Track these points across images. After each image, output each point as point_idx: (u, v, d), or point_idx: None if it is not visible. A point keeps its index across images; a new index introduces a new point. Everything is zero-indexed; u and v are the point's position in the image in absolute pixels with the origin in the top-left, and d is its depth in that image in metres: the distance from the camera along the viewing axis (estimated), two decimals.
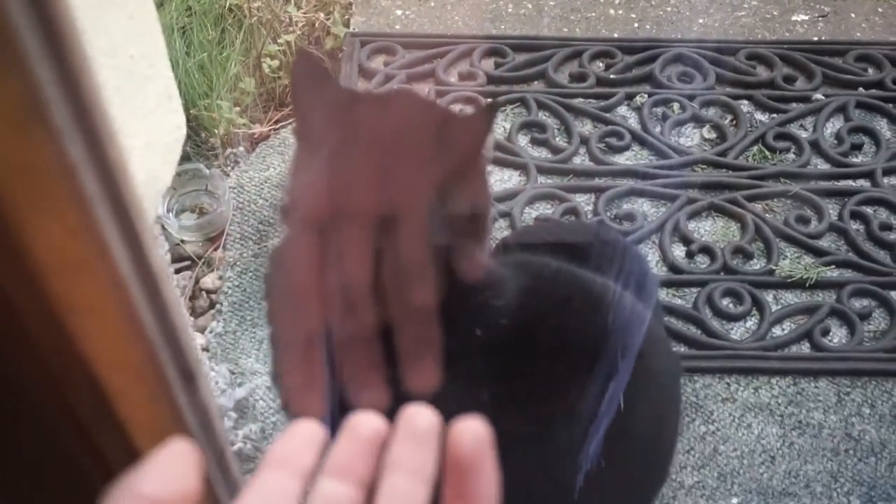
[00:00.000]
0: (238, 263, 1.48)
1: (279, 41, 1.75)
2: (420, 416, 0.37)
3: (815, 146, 1.64)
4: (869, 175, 1.61)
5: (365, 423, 0.39)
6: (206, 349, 1.40)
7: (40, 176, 0.31)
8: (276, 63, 1.74)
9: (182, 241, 1.52)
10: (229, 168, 1.62)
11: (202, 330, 1.43)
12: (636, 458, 0.97)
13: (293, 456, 0.40)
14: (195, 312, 1.46)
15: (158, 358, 0.42)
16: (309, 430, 0.42)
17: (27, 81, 0.28)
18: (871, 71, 1.78)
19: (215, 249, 1.51)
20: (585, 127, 1.67)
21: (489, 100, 1.67)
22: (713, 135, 1.67)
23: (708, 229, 1.52)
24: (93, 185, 0.33)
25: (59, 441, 0.40)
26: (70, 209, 0.32)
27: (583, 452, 0.84)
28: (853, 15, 1.92)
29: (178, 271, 1.51)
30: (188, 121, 1.45)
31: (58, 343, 0.36)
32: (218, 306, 1.43)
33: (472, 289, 0.75)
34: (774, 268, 1.46)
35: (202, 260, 1.50)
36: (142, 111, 1.13)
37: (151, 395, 0.43)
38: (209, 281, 1.47)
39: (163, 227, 1.51)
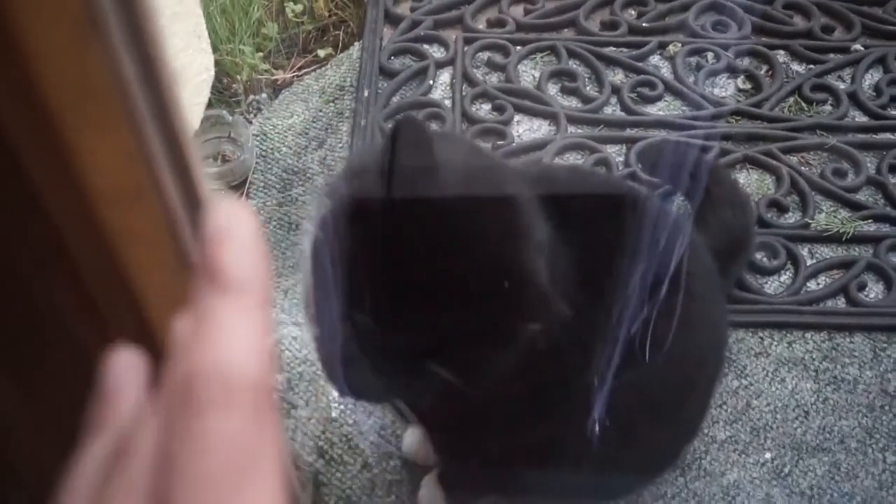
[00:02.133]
0: (261, 212, 1.46)
1: None
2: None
3: (853, 98, 1.60)
4: None
5: None
6: None
7: (96, 94, 0.28)
8: (299, 7, 1.71)
9: None
10: (252, 115, 1.59)
11: None
12: (675, 389, 0.96)
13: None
14: None
15: None
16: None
17: None
18: None
19: (238, 198, 1.48)
20: (617, 76, 1.63)
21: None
22: (748, 85, 1.63)
23: (742, 182, 1.48)
24: (146, 108, 0.31)
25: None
26: (124, 131, 0.30)
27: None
28: None
29: None
30: None
31: (107, 274, 0.34)
32: None
33: None
34: (810, 221, 1.42)
35: None
36: (170, 50, 1.10)
37: None
38: None
39: None
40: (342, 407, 1.22)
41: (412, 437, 1.16)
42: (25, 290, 0.36)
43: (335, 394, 1.23)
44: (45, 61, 0.27)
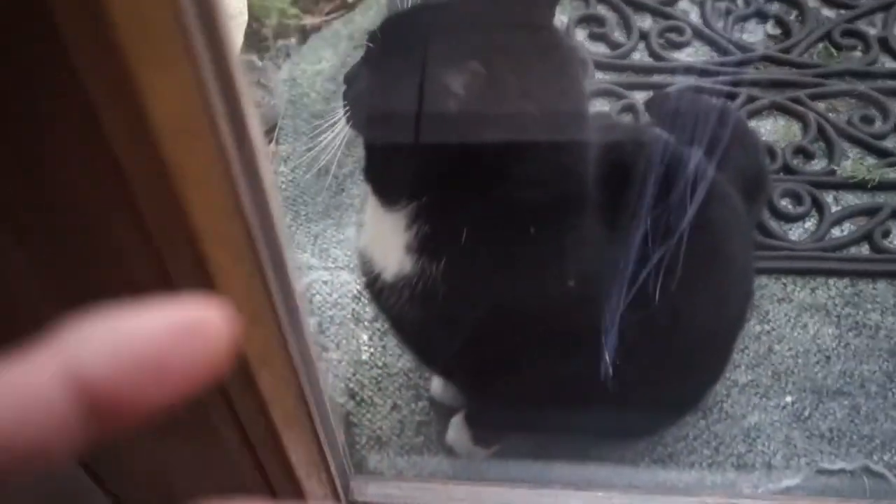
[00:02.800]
0: (291, 158, 1.47)
1: None
2: None
3: (884, 44, 1.58)
4: None
5: None
6: None
7: (159, 30, 0.30)
8: None
9: None
10: (281, 60, 1.60)
11: None
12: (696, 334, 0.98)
13: None
14: None
15: (255, 236, 0.42)
16: None
17: None
18: None
19: (268, 143, 1.50)
20: (645, 22, 1.62)
21: None
22: (777, 31, 1.61)
23: (769, 128, 1.48)
24: (203, 47, 0.33)
25: None
26: (185, 67, 0.32)
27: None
28: None
29: None
30: None
31: (168, 215, 0.36)
32: None
33: None
34: (836, 168, 1.42)
35: None
36: None
37: (249, 273, 0.43)
38: None
39: None
40: (372, 350, 1.25)
41: (440, 380, 1.19)
42: (83, 217, 0.37)
43: (364, 337, 1.26)
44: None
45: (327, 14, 1.67)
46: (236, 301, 0.42)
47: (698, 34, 1.59)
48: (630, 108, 1.48)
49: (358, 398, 1.21)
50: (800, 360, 1.25)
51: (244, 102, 0.37)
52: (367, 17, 1.63)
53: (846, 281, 1.33)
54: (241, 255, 0.41)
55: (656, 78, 1.54)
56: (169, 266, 0.39)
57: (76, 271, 0.41)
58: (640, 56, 1.57)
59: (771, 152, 1.44)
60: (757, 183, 1.26)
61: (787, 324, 1.28)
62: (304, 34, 1.64)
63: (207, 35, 0.33)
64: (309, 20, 1.65)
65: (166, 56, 0.30)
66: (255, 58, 1.53)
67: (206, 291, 0.40)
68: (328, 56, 1.58)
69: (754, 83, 1.53)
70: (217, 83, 0.34)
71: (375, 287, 0.92)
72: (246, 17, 1.26)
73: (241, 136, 0.38)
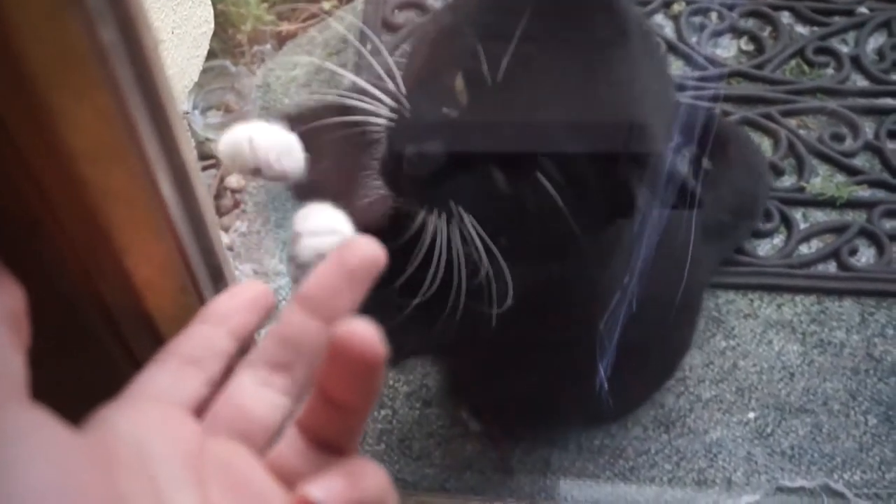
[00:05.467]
0: None
1: None
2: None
3: (856, 62, 1.59)
4: None
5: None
6: (230, 248, 1.41)
7: (74, 59, 0.30)
8: None
9: (207, 138, 1.51)
10: (255, 66, 1.59)
11: (226, 229, 1.44)
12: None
13: (230, 313, 0.40)
14: (220, 211, 1.46)
15: (187, 252, 0.42)
16: (253, 291, 0.42)
17: None
18: None
19: None
20: None
21: None
22: (751, 47, 1.62)
23: None
24: (126, 70, 0.32)
25: (91, 329, 0.40)
26: (103, 93, 0.32)
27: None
28: None
29: (203, 169, 1.50)
30: (214, 16, 1.43)
31: (90, 233, 0.36)
32: (242, 206, 1.43)
33: None
34: (805, 185, 1.43)
35: None
36: (169, 2, 1.11)
37: (180, 288, 0.42)
38: (234, 180, 1.47)
39: (188, 125, 1.50)
40: None
41: None
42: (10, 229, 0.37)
43: None
44: (24, 29, 0.28)
45: (304, 20, 1.67)
46: (167, 315, 0.42)
47: (672, 48, 1.60)
48: None
49: None
50: (764, 377, 1.25)
51: (173, 123, 0.37)
52: (342, 25, 1.63)
53: (812, 298, 1.33)
54: (172, 272, 0.41)
55: None
56: (97, 280, 0.39)
57: None
58: None
59: None
60: (747, 209, 1.27)
61: (753, 340, 1.29)
62: (280, 40, 1.63)
63: (132, 59, 0.33)
64: (285, 26, 1.65)
65: (82, 83, 0.30)
66: (229, 63, 1.52)
67: (136, 305, 0.40)
68: (303, 63, 1.58)
69: (727, 98, 1.54)
70: (143, 106, 0.34)
71: None
72: (212, 26, 1.26)
73: (171, 156, 0.37)
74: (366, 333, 0.32)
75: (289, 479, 0.35)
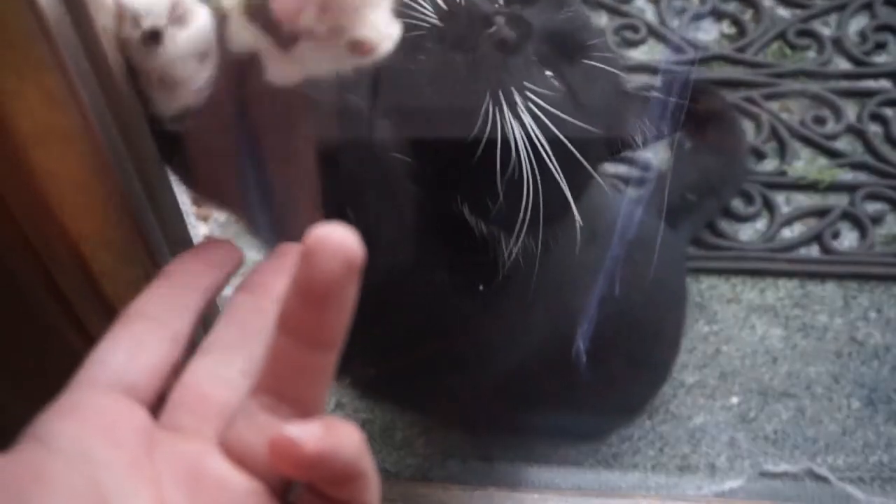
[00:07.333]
0: None
1: None
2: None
3: (838, 44, 1.59)
4: (891, 76, 1.55)
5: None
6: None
7: (18, 39, 0.28)
8: None
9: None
10: None
11: (205, 219, 1.42)
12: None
13: (193, 271, 0.38)
14: (199, 201, 1.44)
15: (148, 239, 0.40)
16: (219, 250, 0.40)
17: None
18: None
19: None
20: (601, 19, 1.61)
21: None
22: (732, 30, 1.61)
23: None
24: (74, 49, 0.31)
25: (44, 315, 0.39)
26: (50, 74, 0.30)
27: None
28: None
29: None
30: None
31: (41, 220, 0.34)
32: None
33: None
34: (787, 168, 1.43)
35: None
36: None
37: (140, 276, 0.41)
38: None
39: None
40: None
41: None
42: None
43: None
44: None
45: None
46: (126, 301, 0.41)
47: (653, 32, 1.59)
48: None
49: None
50: (747, 362, 1.25)
51: (129, 106, 0.35)
52: None
53: (795, 282, 1.33)
54: (130, 258, 0.39)
55: None
56: (49, 266, 0.37)
57: None
58: None
59: None
60: (716, 191, 1.27)
61: (736, 324, 1.28)
62: None
63: (83, 42, 0.31)
64: None
65: (25, 62, 0.29)
66: None
67: (92, 291, 0.39)
68: None
69: (709, 82, 1.53)
70: (95, 87, 0.33)
71: None
72: None
73: (128, 139, 0.36)
74: (342, 232, 0.31)
75: (250, 462, 0.33)
